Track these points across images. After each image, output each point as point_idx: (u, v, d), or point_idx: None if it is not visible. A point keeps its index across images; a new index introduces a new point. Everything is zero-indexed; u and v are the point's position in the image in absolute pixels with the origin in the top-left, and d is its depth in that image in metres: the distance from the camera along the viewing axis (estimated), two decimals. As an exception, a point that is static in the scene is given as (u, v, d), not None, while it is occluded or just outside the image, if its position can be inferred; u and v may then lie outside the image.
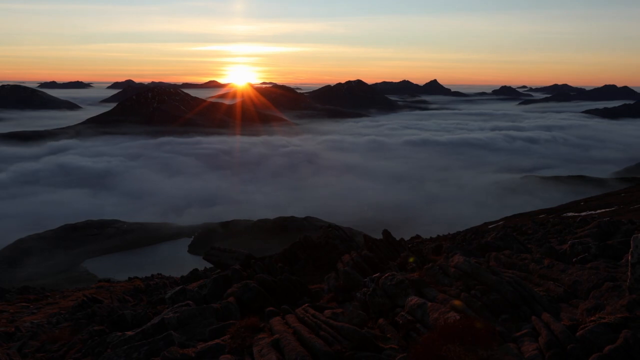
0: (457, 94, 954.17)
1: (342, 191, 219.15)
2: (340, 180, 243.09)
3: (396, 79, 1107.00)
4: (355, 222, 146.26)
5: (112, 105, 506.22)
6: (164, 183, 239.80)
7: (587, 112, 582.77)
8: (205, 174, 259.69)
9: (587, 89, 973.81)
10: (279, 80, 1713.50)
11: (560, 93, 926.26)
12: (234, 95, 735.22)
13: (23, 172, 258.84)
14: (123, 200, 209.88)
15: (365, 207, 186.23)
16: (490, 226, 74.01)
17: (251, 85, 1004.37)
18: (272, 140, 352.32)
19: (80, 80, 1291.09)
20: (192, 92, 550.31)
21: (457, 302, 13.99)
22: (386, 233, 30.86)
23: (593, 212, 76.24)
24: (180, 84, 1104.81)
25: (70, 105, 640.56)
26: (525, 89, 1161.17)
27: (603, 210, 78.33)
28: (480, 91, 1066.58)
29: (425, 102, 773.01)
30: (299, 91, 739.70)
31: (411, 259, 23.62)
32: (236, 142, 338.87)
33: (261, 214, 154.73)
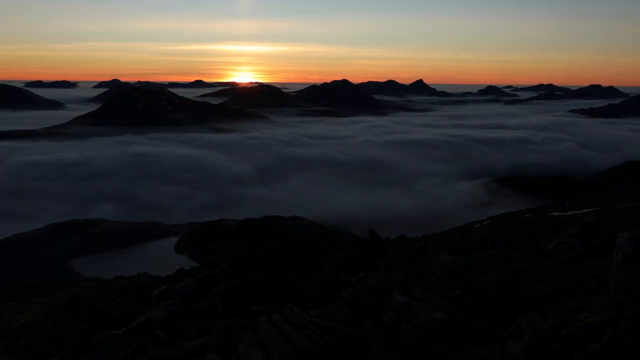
0: (443, 93, 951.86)
1: (328, 190, 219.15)
2: (326, 179, 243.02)
3: (382, 78, 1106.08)
4: (341, 221, 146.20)
5: (99, 104, 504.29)
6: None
7: (573, 111, 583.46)
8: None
9: (572, 88, 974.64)
10: (266, 80, 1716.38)
11: (546, 93, 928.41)
12: (220, 95, 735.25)
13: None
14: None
15: (352, 206, 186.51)
16: (476, 226, 74.23)
17: (238, 85, 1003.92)
18: (260, 138, 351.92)
19: (66, 79, 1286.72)
20: (179, 92, 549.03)
21: (443, 302, 14.04)
22: (372, 232, 30.88)
23: (578, 211, 76.50)
24: (167, 83, 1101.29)
25: (56, 105, 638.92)
26: (511, 89, 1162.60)
27: (589, 209, 78.60)
28: (466, 91, 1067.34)
29: (412, 101, 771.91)
30: (285, 90, 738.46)
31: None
32: (225, 141, 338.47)
33: (249, 213, 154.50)
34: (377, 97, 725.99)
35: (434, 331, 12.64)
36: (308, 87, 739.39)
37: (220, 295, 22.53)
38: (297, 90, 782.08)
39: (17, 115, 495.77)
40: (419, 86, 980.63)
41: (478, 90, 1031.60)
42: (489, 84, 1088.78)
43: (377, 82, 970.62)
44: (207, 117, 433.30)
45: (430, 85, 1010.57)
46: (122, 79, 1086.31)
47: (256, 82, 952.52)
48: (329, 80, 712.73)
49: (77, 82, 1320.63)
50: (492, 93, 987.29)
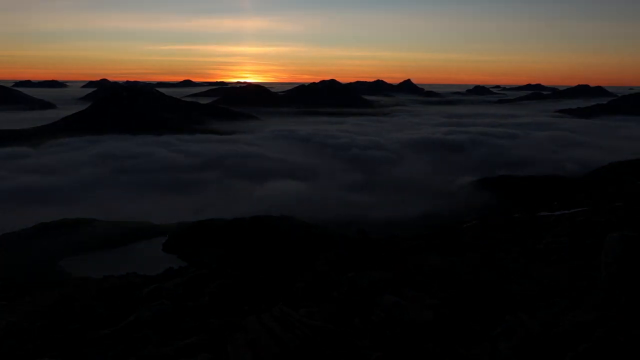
0: (431, 93, 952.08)
1: (319, 189, 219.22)
2: (316, 179, 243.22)
3: (370, 78, 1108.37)
4: (332, 220, 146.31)
5: (88, 104, 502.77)
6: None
7: (561, 111, 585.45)
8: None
9: (560, 88, 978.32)
10: (254, 79, 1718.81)
11: (534, 92, 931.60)
12: (209, 95, 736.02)
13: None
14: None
15: (342, 205, 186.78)
16: (466, 225, 74.11)
17: (226, 84, 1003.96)
18: (249, 138, 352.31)
19: (55, 79, 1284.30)
20: (167, 91, 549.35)
21: (433, 301, 14.04)
22: (362, 232, 30.86)
23: (567, 211, 76.45)
24: (155, 82, 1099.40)
25: (46, 104, 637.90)
26: (499, 89, 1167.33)
27: (578, 209, 78.58)
28: (454, 90, 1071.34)
29: (400, 101, 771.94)
30: (273, 90, 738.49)
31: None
32: (215, 141, 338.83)
33: (238, 212, 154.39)
34: (365, 97, 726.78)
35: (424, 331, 12.64)
36: (296, 87, 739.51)
37: (209, 295, 22.51)
38: (285, 90, 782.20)
39: (8, 116, 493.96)
40: (408, 86, 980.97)
41: (466, 90, 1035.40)
42: (478, 84, 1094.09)
43: (365, 82, 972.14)
44: (197, 117, 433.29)
45: (418, 85, 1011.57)
46: (111, 79, 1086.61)
47: (244, 82, 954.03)
48: (317, 80, 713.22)
49: (66, 82, 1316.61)
50: (481, 93, 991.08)
